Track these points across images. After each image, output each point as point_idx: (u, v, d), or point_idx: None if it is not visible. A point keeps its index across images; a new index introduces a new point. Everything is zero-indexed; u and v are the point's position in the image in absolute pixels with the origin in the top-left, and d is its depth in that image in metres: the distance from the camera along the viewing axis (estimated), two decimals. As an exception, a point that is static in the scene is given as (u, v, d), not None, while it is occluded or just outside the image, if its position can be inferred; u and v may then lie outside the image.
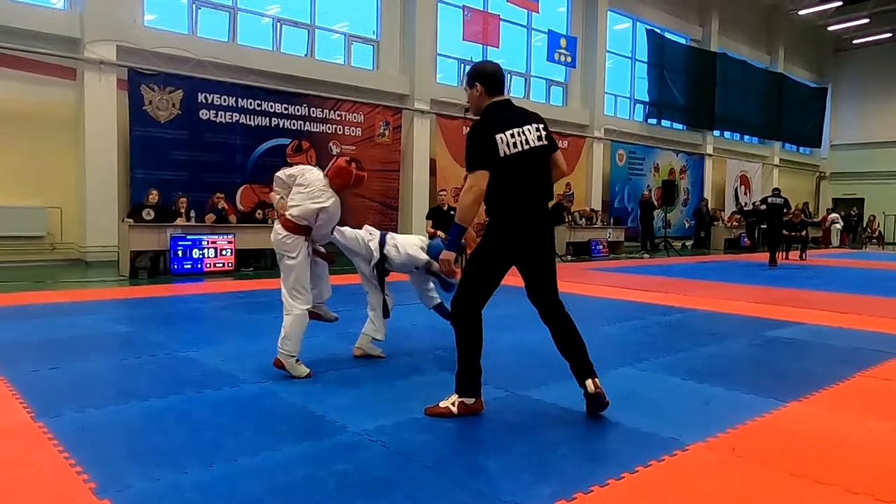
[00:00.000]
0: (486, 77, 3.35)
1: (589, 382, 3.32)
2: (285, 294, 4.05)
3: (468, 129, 3.57)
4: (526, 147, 3.27)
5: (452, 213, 10.84)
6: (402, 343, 5.20)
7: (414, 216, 14.98)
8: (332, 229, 4.22)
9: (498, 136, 3.22)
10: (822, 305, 7.70)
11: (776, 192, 14.87)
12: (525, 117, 3.35)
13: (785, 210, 14.27)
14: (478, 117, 3.41)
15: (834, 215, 25.37)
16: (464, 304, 3.33)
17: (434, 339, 5.48)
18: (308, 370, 4.04)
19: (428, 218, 10.92)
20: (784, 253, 16.35)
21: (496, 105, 3.34)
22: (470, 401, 3.34)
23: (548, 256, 3.41)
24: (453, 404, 3.33)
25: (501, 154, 3.22)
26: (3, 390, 3.65)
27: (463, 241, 3.62)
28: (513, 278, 3.41)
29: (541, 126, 3.37)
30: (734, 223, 22.00)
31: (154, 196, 10.00)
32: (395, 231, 14.92)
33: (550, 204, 3.58)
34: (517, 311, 6.23)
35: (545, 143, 3.36)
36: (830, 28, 27.71)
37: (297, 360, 4.02)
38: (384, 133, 14.84)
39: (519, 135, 3.26)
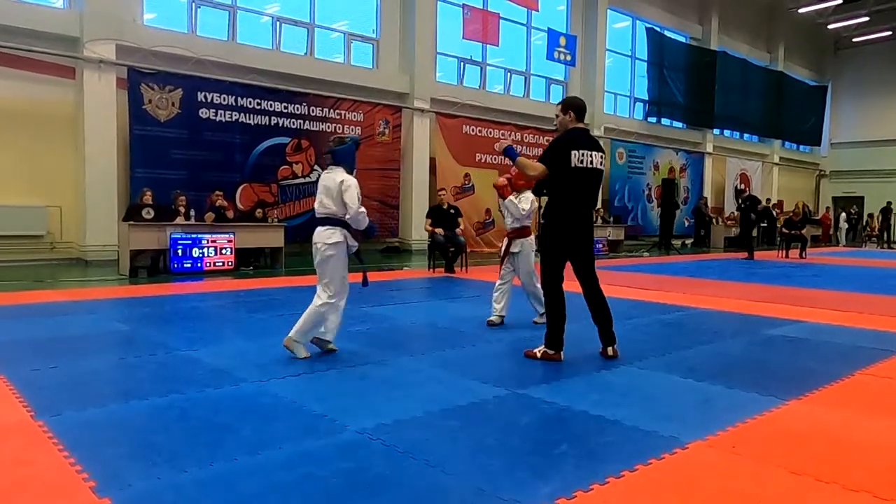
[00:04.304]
0: (576, 108, 4.59)
1: (609, 349, 4.62)
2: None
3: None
4: (590, 166, 4.51)
5: (452, 211, 10.84)
6: (401, 342, 5.21)
7: (414, 215, 14.98)
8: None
9: (573, 152, 4.44)
10: (821, 303, 7.70)
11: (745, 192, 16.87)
12: (595, 145, 4.58)
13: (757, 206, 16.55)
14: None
15: (843, 215, 25.49)
16: (546, 283, 4.60)
17: (434, 338, 5.49)
18: None
19: (428, 216, 10.91)
20: (784, 251, 16.47)
21: (577, 130, 4.56)
22: (551, 352, 4.51)
23: (591, 246, 4.68)
24: (539, 352, 4.55)
25: (572, 165, 4.43)
26: (2, 389, 3.65)
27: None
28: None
29: (602, 155, 4.63)
30: (731, 223, 22.02)
31: (148, 196, 9.98)
32: (397, 230, 15.05)
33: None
34: (516, 311, 6.22)
35: (602, 168, 4.63)
36: (830, 26, 27.66)
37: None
38: (384, 132, 14.84)
39: (587, 155, 4.49)
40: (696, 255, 17.57)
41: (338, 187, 4.44)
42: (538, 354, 4.54)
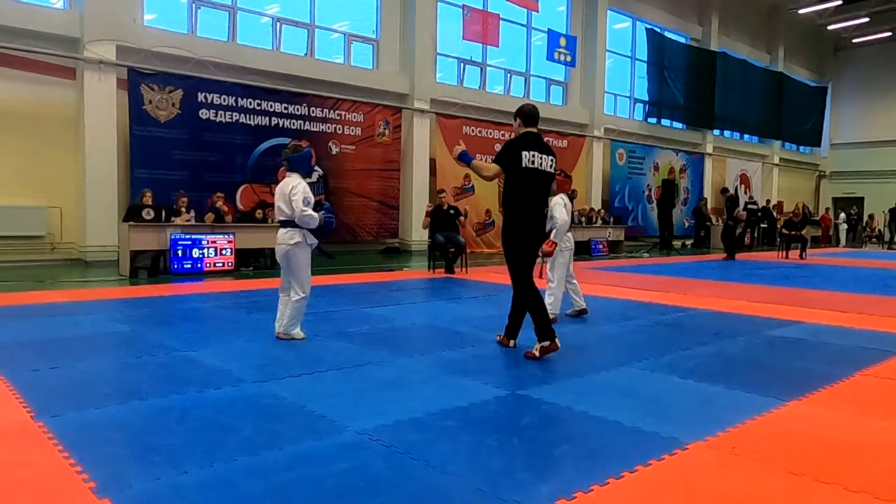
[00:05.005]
0: (523, 115, 4.80)
1: (512, 341, 4.93)
2: None
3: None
4: (540, 168, 4.68)
5: (452, 212, 10.85)
6: (402, 343, 5.21)
7: (414, 216, 14.97)
8: None
9: (523, 153, 4.64)
10: (821, 304, 7.70)
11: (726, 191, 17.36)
12: (546, 149, 4.78)
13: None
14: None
15: (842, 215, 25.50)
16: (518, 281, 4.73)
17: (434, 339, 5.49)
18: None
19: (428, 216, 10.89)
20: (784, 252, 16.50)
21: (528, 134, 4.76)
22: (547, 343, 4.55)
23: (539, 245, 4.88)
24: (536, 350, 4.57)
25: (523, 165, 4.62)
26: (2, 390, 3.65)
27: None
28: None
29: (553, 159, 4.81)
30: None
31: (148, 197, 9.97)
32: (397, 231, 15.04)
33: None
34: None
35: (552, 171, 4.80)
36: (830, 27, 27.68)
37: None
38: (384, 132, 14.84)
39: (538, 157, 4.68)
40: (697, 255, 17.56)
41: (290, 193, 4.89)
42: (536, 353, 4.56)
